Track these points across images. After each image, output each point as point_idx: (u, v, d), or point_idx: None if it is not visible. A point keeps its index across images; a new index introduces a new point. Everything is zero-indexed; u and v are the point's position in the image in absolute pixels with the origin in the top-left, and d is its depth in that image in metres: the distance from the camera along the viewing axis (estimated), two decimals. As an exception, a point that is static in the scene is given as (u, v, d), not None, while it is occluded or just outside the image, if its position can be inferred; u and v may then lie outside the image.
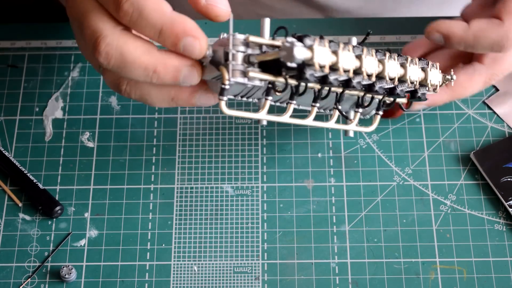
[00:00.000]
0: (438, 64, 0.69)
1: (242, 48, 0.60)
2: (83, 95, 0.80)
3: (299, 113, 0.77)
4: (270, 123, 0.78)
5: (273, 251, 0.72)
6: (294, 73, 0.60)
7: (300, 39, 0.59)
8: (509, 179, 0.74)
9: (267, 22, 0.61)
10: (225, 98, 0.60)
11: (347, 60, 0.61)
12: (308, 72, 0.60)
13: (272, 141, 0.77)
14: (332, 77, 0.62)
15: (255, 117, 0.63)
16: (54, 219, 0.73)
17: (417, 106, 0.74)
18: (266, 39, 0.61)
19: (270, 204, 0.74)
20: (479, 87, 0.74)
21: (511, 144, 0.76)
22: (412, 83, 0.66)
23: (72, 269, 0.70)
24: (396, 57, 0.65)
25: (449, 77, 0.70)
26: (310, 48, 0.59)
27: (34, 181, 0.74)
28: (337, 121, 0.69)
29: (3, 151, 0.76)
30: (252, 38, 0.60)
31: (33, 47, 0.83)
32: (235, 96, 0.65)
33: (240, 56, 0.60)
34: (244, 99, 0.66)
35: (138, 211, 0.74)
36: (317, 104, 0.64)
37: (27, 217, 0.74)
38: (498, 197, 0.73)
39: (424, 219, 0.73)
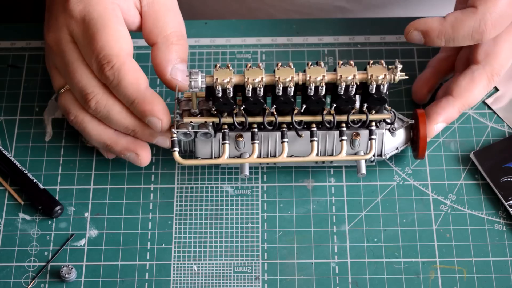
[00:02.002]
0: (382, 61, 0.68)
1: (187, 104, 0.70)
2: (83, 95, 0.79)
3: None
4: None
5: (273, 251, 0.72)
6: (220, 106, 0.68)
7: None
8: (509, 179, 0.74)
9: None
10: (176, 149, 0.69)
11: (253, 73, 0.67)
12: (216, 91, 0.66)
13: (272, 141, 0.77)
14: (247, 89, 0.67)
15: (215, 162, 0.70)
16: (54, 219, 0.73)
17: (436, 129, 0.73)
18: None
19: (270, 204, 0.74)
20: (484, 87, 0.74)
21: (511, 144, 0.76)
22: (350, 82, 0.66)
23: (72, 268, 0.70)
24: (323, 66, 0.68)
25: (393, 66, 0.67)
26: (210, 76, 0.67)
27: (34, 181, 0.74)
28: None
29: (3, 151, 0.76)
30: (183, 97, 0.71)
31: (33, 47, 0.83)
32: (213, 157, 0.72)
33: (186, 120, 0.69)
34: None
35: (138, 211, 0.74)
36: (286, 139, 0.70)
37: (27, 217, 0.74)
38: (498, 197, 0.73)
39: (424, 219, 0.73)
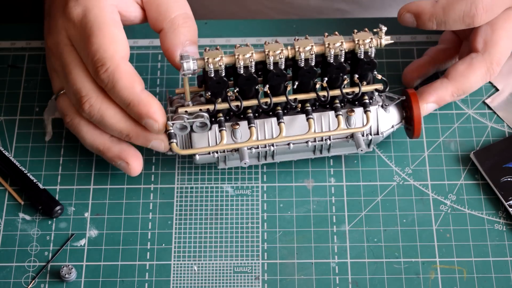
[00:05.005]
0: (366, 29, 0.68)
1: (179, 101, 0.70)
2: (83, 95, 0.79)
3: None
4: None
5: (273, 251, 0.72)
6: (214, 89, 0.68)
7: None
8: (509, 179, 0.74)
9: (186, 80, 0.68)
10: (174, 140, 0.69)
11: (244, 50, 0.67)
12: (209, 71, 0.66)
13: (272, 141, 0.77)
14: (239, 66, 0.67)
15: (213, 149, 0.69)
16: (54, 219, 0.73)
17: (426, 108, 0.74)
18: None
19: (270, 204, 0.74)
20: (481, 75, 0.73)
21: (511, 144, 0.76)
22: (338, 49, 0.67)
23: (72, 269, 0.70)
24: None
25: (378, 29, 0.68)
26: (201, 58, 0.67)
27: (34, 181, 0.74)
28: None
29: (3, 151, 0.76)
30: (175, 97, 0.71)
31: (33, 47, 0.83)
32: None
33: (180, 110, 0.69)
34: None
35: (138, 211, 0.74)
36: (282, 120, 0.69)
37: (27, 217, 0.74)
38: (498, 197, 0.73)
39: (424, 219, 0.73)
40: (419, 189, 0.74)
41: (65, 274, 0.70)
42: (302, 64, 0.67)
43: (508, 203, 0.73)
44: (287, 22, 0.84)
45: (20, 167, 0.75)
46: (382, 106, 0.72)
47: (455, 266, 0.71)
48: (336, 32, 0.68)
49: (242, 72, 0.67)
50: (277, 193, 0.75)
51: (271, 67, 0.67)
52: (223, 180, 0.75)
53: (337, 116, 0.70)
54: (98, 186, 0.75)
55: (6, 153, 0.76)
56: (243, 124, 0.70)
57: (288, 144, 0.71)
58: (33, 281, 0.70)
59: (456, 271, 0.71)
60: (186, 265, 0.71)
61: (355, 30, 0.68)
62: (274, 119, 0.71)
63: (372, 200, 0.74)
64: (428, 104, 0.74)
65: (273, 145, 0.71)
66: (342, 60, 0.67)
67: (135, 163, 0.72)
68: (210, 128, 0.70)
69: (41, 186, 0.74)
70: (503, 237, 0.72)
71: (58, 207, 0.73)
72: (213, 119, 0.70)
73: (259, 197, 0.74)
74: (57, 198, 0.74)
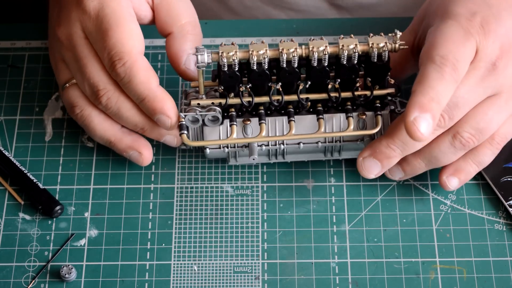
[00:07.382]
0: (381, 33, 0.68)
1: (194, 94, 0.71)
2: (83, 95, 0.79)
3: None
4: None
5: (273, 251, 0.72)
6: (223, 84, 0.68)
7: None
8: (509, 179, 0.74)
9: (200, 73, 0.68)
10: (185, 131, 0.69)
11: (258, 46, 0.67)
12: (222, 65, 0.67)
13: (272, 141, 0.77)
14: (252, 62, 0.67)
15: (223, 142, 0.70)
16: (54, 219, 0.73)
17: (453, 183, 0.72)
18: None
19: (270, 204, 0.74)
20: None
21: (511, 144, 0.76)
22: (352, 51, 0.67)
23: (72, 268, 0.70)
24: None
25: (393, 34, 0.67)
26: (216, 52, 0.67)
27: (34, 181, 0.74)
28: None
29: (3, 151, 0.76)
30: (189, 90, 0.71)
31: (33, 47, 0.83)
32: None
33: (193, 102, 0.70)
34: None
35: (138, 211, 0.74)
36: (292, 118, 0.70)
37: (27, 217, 0.74)
38: (498, 197, 0.73)
39: (424, 219, 0.73)
40: (419, 189, 0.74)
41: (65, 274, 0.70)
42: (315, 64, 0.67)
43: (508, 203, 0.73)
44: (287, 22, 0.85)
45: (20, 167, 0.75)
46: (394, 111, 0.72)
47: (455, 266, 0.71)
48: (352, 35, 0.68)
49: (255, 68, 0.67)
50: (277, 193, 0.75)
51: (284, 65, 0.67)
52: (223, 180, 0.75)
53: (347, 118, 0.70)
54: (98, 186, 0.75)
55: (6, 153, 0.76)
56: (254, 120, 0.71)
57: (298, 143, 0.72)
58: (33, 281, 0.70)
59: (456, 271, 0.71)
60: (186, 265, 0.71)
61: (371, 34, 0.68)
62: (285, 118, 0.71)
63: (372, 200, 0.74)
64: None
65: (283, 143, 0.72)
66: (356, 61, 0.68)
67: (147, 153, 0.73)
68: (222, 123, 0.70)
69: (41, 186, 0.74)
70: (503, 237, 0.72)
71: (58, 207, 0.73)
72: (225, 114, 0.70)
73: (259, 197, 0.74)
74: (57, 198, 0.74)
